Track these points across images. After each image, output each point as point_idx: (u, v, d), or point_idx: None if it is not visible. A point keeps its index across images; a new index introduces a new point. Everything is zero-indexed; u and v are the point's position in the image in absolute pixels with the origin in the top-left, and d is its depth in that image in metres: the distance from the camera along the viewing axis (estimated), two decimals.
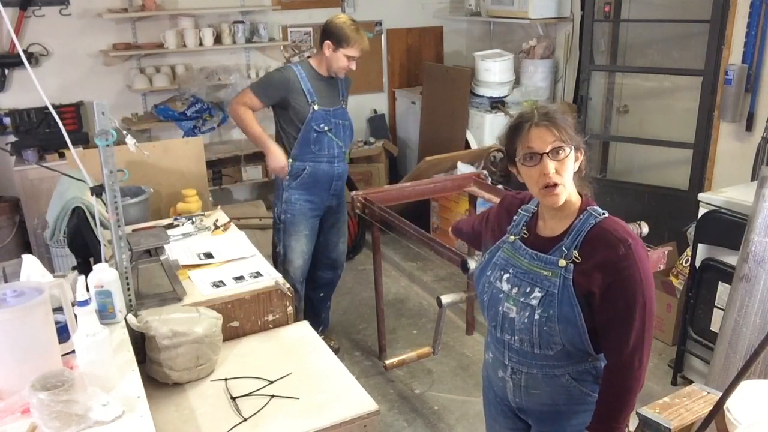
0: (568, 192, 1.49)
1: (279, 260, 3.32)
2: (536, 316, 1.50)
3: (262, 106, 3.15)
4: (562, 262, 1.49)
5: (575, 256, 1.48)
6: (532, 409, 1.65)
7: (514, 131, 1.49)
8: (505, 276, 1.58)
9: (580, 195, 1.55)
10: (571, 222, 1.52)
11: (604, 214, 1.51)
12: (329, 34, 3.22)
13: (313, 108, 3.12)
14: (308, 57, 3.41)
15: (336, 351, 3.34)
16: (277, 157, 3.12)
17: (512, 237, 1.62)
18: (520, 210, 1.65)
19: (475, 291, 1.71)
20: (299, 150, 3.17)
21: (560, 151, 1.45)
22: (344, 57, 3.22)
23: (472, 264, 2.43)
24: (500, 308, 1.58)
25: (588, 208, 1.53)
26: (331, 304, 3.68)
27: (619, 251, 1.44)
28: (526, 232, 1.60)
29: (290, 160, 3.18)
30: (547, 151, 1.44)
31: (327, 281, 3.55)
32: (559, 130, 1.45)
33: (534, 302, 1.51)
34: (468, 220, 2.10)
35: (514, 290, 1.55)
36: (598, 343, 1.52)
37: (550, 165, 1.44)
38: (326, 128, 3.17)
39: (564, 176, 1.46)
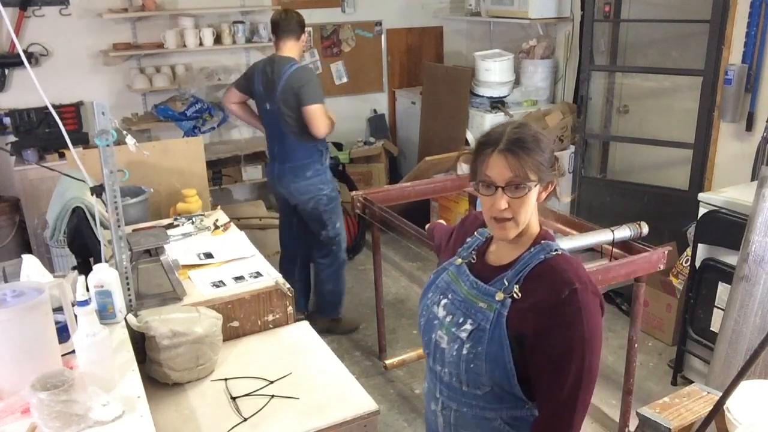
0: (521, 228, 1.33)
1: None
2: (464, 351, 1.35)
3: None
4: (500, 296, 1.32)
5: (515, 292, 1.32)
6: None
7: (478, 151, 1.33)
8: (443, 301, 1.44)
9: (540, 225, 1.39)
10: (521, 253, 1.36)
11: (557, 250, 1.35)
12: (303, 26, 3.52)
13: None
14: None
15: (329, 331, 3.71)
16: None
17: (459, 260, 1.47)
18: (476, 232, 1.50)
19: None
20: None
21: (519, 188, 1.28)
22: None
23: None
24: (433, 335, 1.44)
25: (543, 241, 1.36)
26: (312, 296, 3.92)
27: (561, 294, 1.26)
28: (474, 256, 1.46)
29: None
30: (503, 185, 1.28)
31: (319, 265, 3.79)
32: (523, 164, 1.27)
33: (463, 335, 1.35)
34: (444, 228, 1.94)
35: (448, 318, 1.41)
36: (531, 390, 1.35)
37: (503, 200, 1.29)
38: None
39: (519, 212, 1.30)
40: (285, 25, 3.40)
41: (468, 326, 1.35)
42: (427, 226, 2.13)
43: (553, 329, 1.27)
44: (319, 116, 3.32)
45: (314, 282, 3.84)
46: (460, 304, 1.40)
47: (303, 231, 3.74)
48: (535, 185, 1.30)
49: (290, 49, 3.44)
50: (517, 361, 1.30)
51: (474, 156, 1.35)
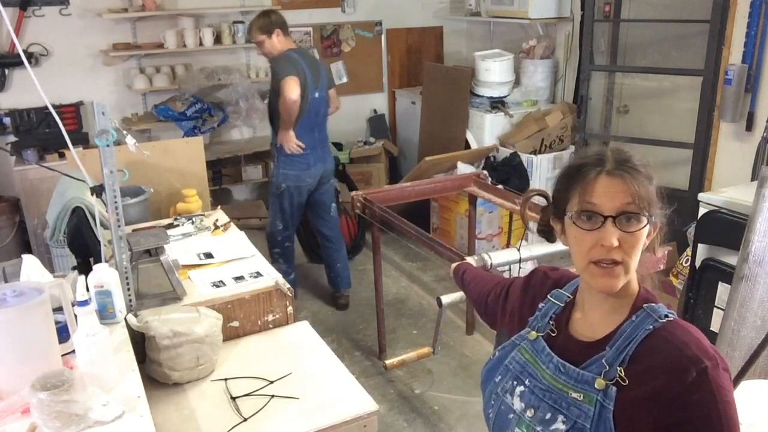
0: (629, 278, 1.03)
1: None
2: None
3: None
4: (601, 383, 1.01)
5: (620, 377, 1.00)
6: None
7: (574, 175, 1.05)
8: (519, 389, 1.12)
9: (639, 284, 1.08)
10: (620, 322, 1.05)
11: (667, 316, 1.03)
12: None
13: None
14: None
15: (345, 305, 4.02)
16: None
17: (534, 333, 1.15)
18: (549, 296, 1.19)
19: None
20: None
21: (633, 220, 1.00)
22: None
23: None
24: None
25: (646, 305, 1.05)
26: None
27: (688, 377, 0.95)
28: (554, 328, 1.14)
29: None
30: (614, 214, 1.00)
31: (339, 242, 4.11)
32: (639, 189, 1.00)
33: None
34: (480, 275, 1.61)
35: (529, 412, 1.09)
36: None
37: (614, 236, 0.99)
38: None
39: (631, 254, 1.01)
40: (286, 23, 3.71)
41: (560, 425, 1.04)
42: (453, 267, 1.79)
43: (679, 426, 0.95)
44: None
45: (335, 260, 4.06)
46: (544, 395, 1.08)
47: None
48: (648, 222, 1.02)
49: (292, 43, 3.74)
50: None
51: (564, 184, 1.07)
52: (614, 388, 1.00)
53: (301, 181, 3.73)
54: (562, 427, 1.03)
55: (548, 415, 1.06)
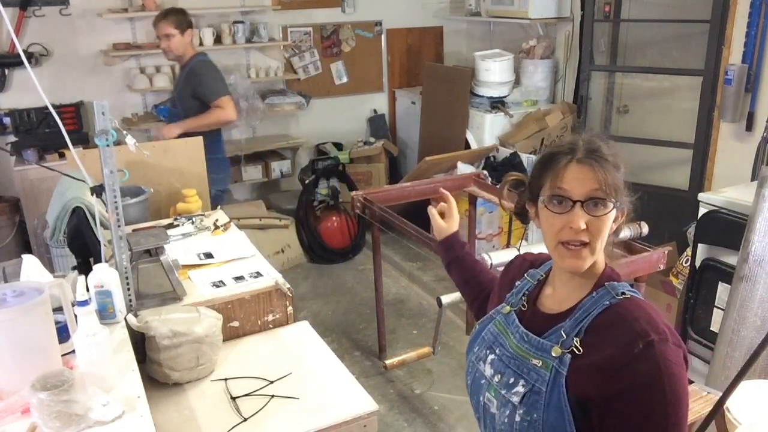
0: (595, 258, 1.13)
1: None
2: (517, 418, 1.13)
3: None
4: (557, 350, 1.10)
5: (575, 346, 1.09)
6: None
7: (547, 162, 1.15)
8: (490, 357, 1.22)
9: (605, 264, 1.18)
10: (582, 297, 1.15)
11: (624, 293, 1.12)
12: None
13: None
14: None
15: None
16: None
17: (507, 308, 1.26)
18: (525, 275, 1.29)
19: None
20: None
21: (600, 205, 1.09)
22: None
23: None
24: (481, 398, 1.22)
25: (607, 283, 1.14)
26: None
27: (633, 349, 1.03)
28: (525, 303, 1.24)
29: None
30: (582, 199, 1.09)
31: None
32: (607, 176, 1.10)
33: (515, 399, 1.13)
34: (480, 278, 1.57)
35: (497, 378, 1.19)
36: None
37: (582, 219, 1.09)
38: None
39: (597, 236, 1.10)
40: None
41: (520, 388, 1.13)
42: (440, 236, 1.70)
43: (625, 393, 1.03)
44: None
45: None
46: (509, 361, 1.18)
47: None
48: (614, 207, 1.11)
49: None
50: (581, 431, 1.09)
51: (538, 171, 1.16)
52: (569, 356, 1.09)
53: (229, 182, 3.86)
54: (522, 390, 1.13)
55: (511, 380, 1.16)
